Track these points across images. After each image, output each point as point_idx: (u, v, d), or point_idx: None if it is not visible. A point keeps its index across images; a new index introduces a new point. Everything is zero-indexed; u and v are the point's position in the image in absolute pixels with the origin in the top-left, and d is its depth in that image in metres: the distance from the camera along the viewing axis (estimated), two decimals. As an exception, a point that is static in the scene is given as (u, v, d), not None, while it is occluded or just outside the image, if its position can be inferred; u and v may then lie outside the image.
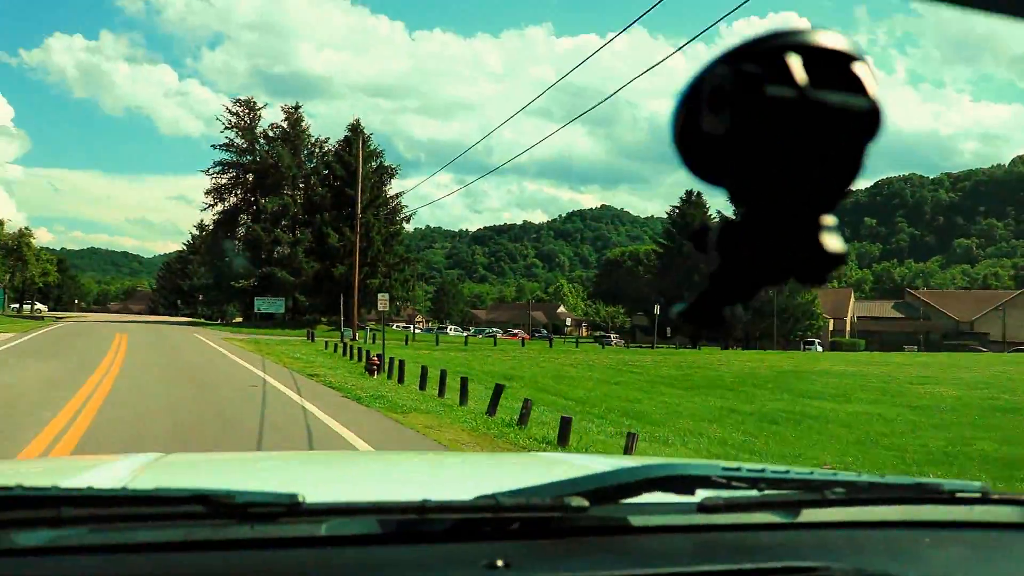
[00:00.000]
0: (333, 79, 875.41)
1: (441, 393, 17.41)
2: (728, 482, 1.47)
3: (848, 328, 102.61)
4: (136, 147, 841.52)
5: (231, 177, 74.96)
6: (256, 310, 68.27)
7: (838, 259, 0.61)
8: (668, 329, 67.44)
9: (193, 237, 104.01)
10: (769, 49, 0.59)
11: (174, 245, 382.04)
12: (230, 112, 74.66)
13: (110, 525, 1.23)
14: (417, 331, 76.84)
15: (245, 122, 74.37)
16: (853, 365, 42.43)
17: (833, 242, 0.61)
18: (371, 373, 21.83)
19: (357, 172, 52.22)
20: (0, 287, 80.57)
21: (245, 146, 74.32)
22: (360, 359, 26.44)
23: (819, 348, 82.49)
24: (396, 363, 21.52)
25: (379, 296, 26.65)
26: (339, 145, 72.75)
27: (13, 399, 13.63)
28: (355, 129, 70.87)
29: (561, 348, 55.69)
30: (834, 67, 0.59)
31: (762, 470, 1.64)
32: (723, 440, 14.34)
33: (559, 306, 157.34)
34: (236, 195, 75.32)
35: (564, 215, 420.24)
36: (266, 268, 68.48)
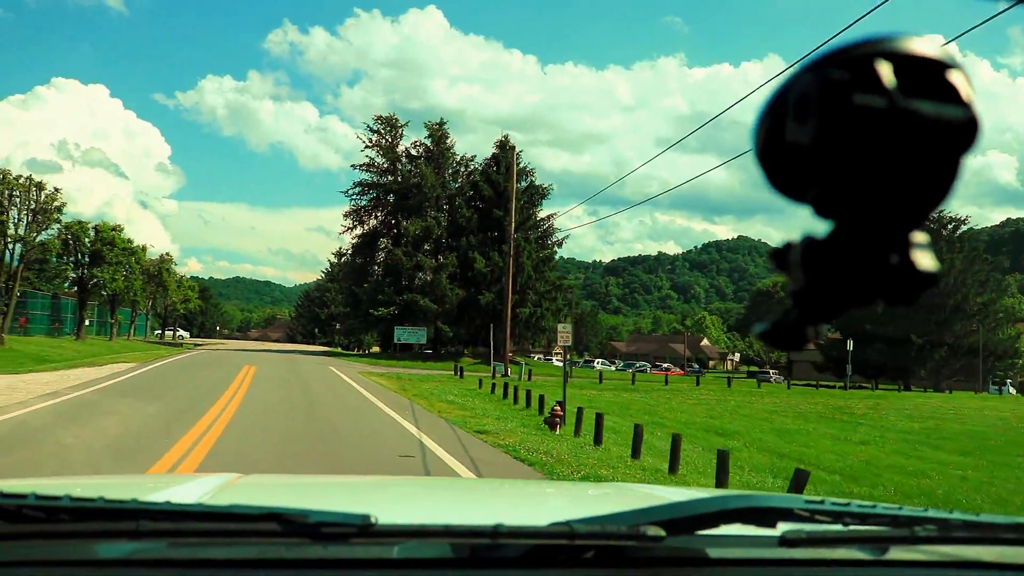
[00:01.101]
0: (466, 112, 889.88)
1: (673, 469, 11.96)
2: (811, 515, 1.42)
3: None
4: (278, 180, 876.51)
5: (371, 199, 69.45)
6: (396, 340, 62.84)
7: (930, 279, 0.58)
8: (848, 367, 59.82)
9: (331, 264, 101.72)
10: (858, 56, 0.56)
11: (312, 275, 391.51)
12: (371, 130, 69.10)
13: (186, 540, 1.26)
14: (558, 364, 71.37)
15: (387, 140, 68.85)
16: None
17: (925, 260, 0.58)
18: (551, 427, 16.51)
19: (509, 189, 47.18)
20: (143, 313, 79.76)
21: (386, 166, 68.77)
22: (524, 402, 21.58)
23: (1012, 390, 74.23)
24: (585, 416, 16.47)
25: (559, 328, 21.19)
26: (486, 163, 66.70)
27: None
28: (503, 145, 65.24)
29: (740, 388, 48.64)
30: (927, 75, 0.56)
31: (847, 504, 1.54)
32: None
33: (702, 339, 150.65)
34: (376, 217, 69.70)
35: (699, 246, 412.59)
36: (407, 295, 62.97)
